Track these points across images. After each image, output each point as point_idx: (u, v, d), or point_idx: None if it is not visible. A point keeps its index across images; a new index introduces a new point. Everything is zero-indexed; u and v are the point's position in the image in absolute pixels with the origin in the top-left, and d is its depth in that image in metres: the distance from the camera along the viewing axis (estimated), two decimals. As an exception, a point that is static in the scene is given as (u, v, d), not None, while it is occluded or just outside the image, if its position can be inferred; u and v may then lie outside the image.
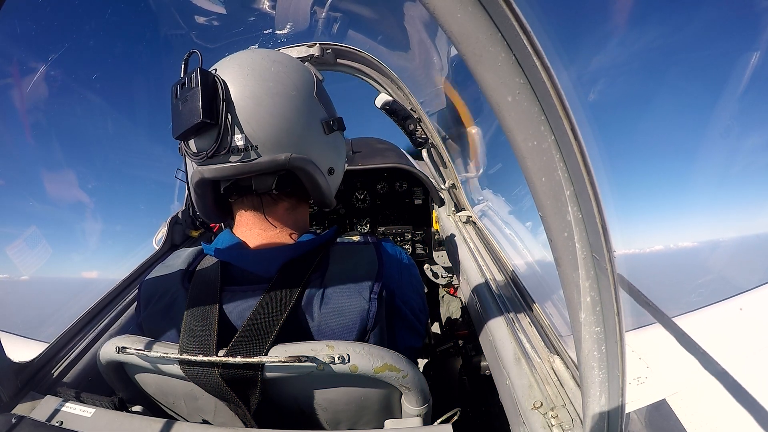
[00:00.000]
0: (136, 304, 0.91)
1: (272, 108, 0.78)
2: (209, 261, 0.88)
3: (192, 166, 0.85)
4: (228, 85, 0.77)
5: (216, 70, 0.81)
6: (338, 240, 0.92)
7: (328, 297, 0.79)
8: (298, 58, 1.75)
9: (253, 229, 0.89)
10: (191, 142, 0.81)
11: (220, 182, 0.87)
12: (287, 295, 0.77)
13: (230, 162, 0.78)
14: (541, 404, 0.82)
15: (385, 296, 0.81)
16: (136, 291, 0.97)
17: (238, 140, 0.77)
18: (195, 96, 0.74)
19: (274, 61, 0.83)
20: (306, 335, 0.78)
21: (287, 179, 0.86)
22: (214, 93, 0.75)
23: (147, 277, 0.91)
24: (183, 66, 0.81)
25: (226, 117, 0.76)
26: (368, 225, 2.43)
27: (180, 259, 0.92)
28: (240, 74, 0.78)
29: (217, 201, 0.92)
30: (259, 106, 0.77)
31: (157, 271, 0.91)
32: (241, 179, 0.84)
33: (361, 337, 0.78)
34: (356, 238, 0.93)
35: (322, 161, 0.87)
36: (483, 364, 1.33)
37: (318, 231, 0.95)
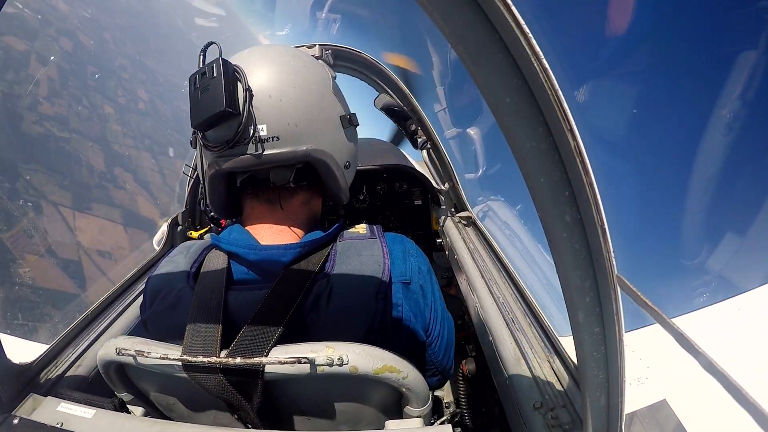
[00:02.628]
0: (141, 300, 0.91)
1: (294, 100, 0.79)
2: (216, 255, 0.87)
3: (207, 159, 0.85)
4: (248, 75, 0.77)
5: (235, 62, 0.81)
6: (345, 234, 0.91)
7: (333, 296, 0.78)
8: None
9: (264, 224, 0.89)
10: (208, 134, 0.81)
11: (235, 175, 0.87)
12: (292, 293, 0.77)
13: (250, 153, 0.79)
14: (541, 405, 0.82)
15: (390, 294, 0.81)
16: (141, 289, 0.96)
17: (260, 130, 0.77)
18: (217, 85, 0.74)
19: (293, 56, 0.84)
20: (311, 334, 0.77)
21: (304, 172, 0.86)
22: (236, 83, 0.76)
23: (153, 273, 0.90)
24: (201, 57, 0.82)
25: (249, 107, 0.76)
26: None
27: (187, 253, 0.91)
28: (261, 66, 0.79)
29: (230, 195, 0.92)
30: (281, 97, 0.78)
31: (164, 267, 0.90)
32: (258, 171, 0.85)
33: (367, 336, 0.78)
34: (362, 231, 0.92)
35: (339, 155, 0.88)
36: (483, 364, 1.34)
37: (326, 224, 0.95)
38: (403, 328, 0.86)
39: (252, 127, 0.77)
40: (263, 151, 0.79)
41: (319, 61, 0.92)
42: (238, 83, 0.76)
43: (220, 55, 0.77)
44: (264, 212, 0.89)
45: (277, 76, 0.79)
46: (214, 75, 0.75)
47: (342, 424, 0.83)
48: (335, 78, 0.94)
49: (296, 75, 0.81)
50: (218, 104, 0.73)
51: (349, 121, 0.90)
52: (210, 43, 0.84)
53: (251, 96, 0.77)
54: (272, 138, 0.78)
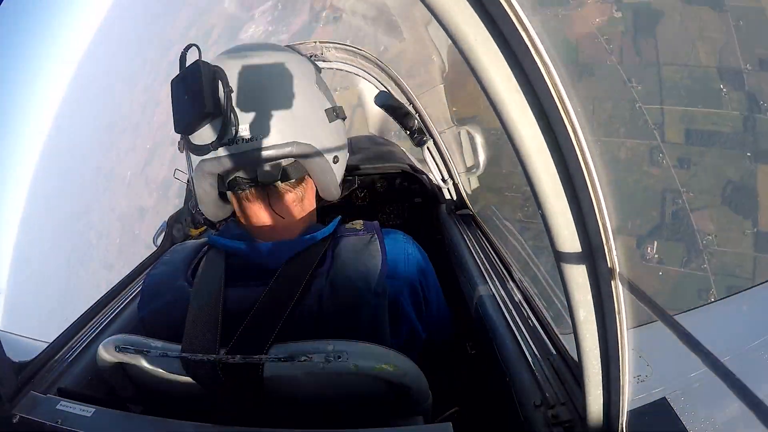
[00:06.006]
0: (139, 299, 0.91)
1: (275, 96, 0.79)
2: (214, 254, 0.87)
3: (195, 161, 0.85)
4: (229, 75, 0.77)
5: (216, 63, 0.81)
6: (342, 230, 0.91)
7: (332, 293, 0.78)
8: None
9: (259, 221, 0.89)
10: (193, 137, 0.80)
11: (224, 176, 0.86)
12: (291, 290, 0.77)
13: (234, 153, 0.78)
14: (542, 402, 0.81)
15: (389, 291, 0.81)
16: (140, 287, 0.96)
17: (243, 130, 0.77)
18: (197, 88, 0.73)
19: (273, 51, 0.84)
20: (309, 331, 0.77)
21: (293, 169, 0.86)
22: (216, 84, 0.76)
23: (151, 272, 0.90)
24: (181, 60, 0.81)
25: (231, 107, 0.76)
26: None
27: (184, 252, 0.91)
28: (241, 65, 0.79)
29: (222, 196, 0.91)
30: (261, 95, 0.78)
31: (162, 265, 0.91)
32: (246, 171, 0.84)
33: (365, 331, 0.78)
34: (359, 227, 0.92)
35: (327, 149, 0.87)
36: (483, 362, 1.33)
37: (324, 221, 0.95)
38: (402, 323, 0.86)
39: (234, 128, 0.76)
40: (247, 150, 0.78)
41: (302, 55, 0.92)
42: (219, 84, 0.76)
43: (200, 57, 0.77)
44: (257, 211, 0.89)
45: (256, 74, 0.79)
46: (195, 78, 0.74)
47: (342, 421, 0.83)
48: (320, 71, 0.93)
49: (276, 71, 0.81)
50: (200, 107, 0.73)
51: (336, 114, 0.89)
52: (189, 46, 0.83)
53: (232, 96, 0.76)
54: (255, 137, 0.78)
